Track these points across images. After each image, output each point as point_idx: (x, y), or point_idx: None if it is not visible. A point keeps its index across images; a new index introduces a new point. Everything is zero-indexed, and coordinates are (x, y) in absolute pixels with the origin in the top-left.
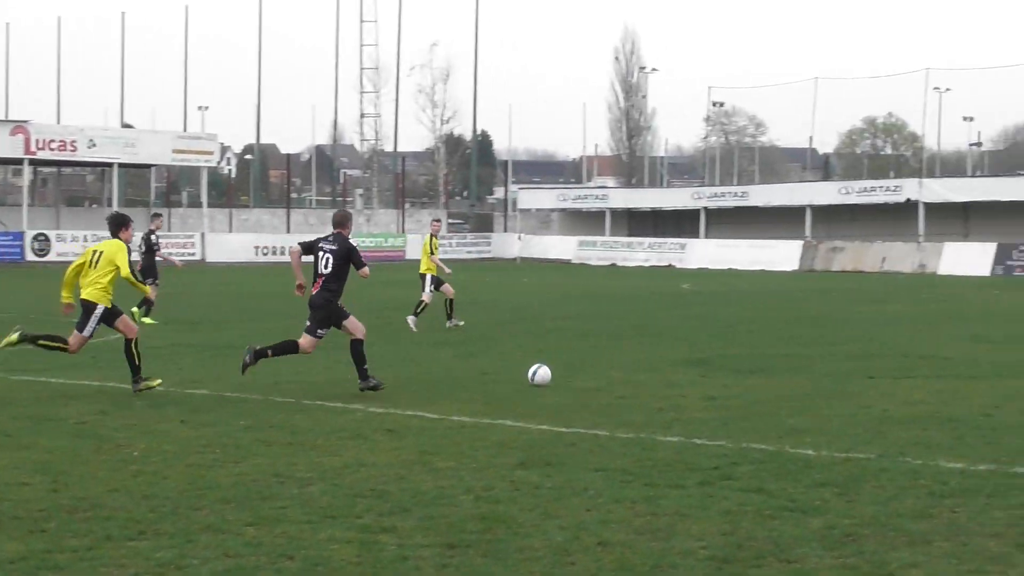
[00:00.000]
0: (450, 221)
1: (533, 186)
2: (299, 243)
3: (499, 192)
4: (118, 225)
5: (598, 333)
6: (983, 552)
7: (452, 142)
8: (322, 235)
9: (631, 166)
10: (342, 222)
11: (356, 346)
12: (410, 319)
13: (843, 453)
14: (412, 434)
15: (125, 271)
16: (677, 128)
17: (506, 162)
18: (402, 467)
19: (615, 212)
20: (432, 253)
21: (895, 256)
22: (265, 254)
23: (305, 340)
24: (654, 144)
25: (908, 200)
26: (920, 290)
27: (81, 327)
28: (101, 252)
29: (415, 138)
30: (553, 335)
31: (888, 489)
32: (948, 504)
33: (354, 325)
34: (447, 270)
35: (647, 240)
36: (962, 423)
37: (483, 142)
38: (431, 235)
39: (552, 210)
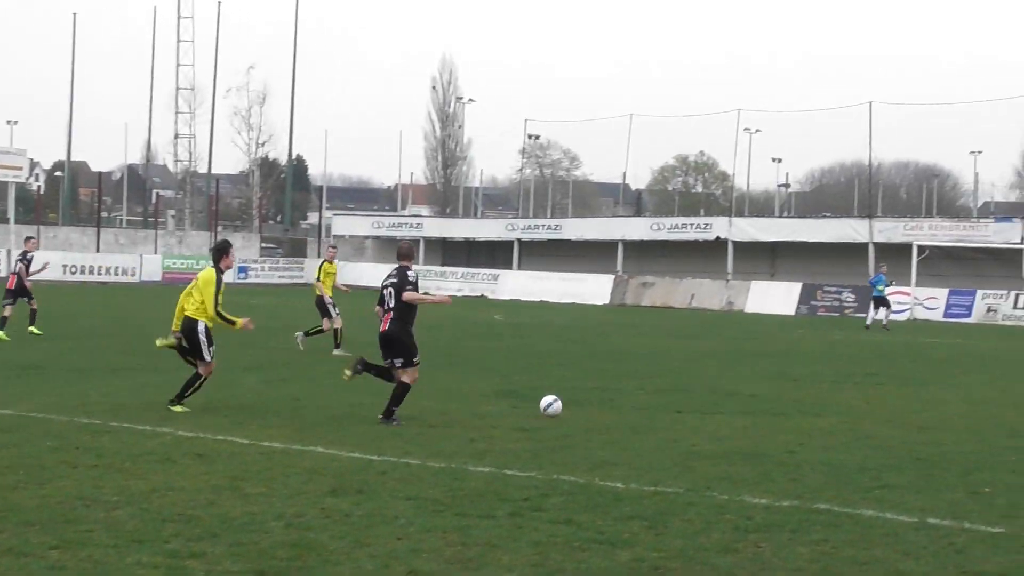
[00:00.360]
0: (263, 245)
1: (348, 212)
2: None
3: (313, 217)
4: (218, 252)
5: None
6: None
7: (267, 166)
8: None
9: (446, 195)
10: (407, 255)
11: (402, 388)
12: (299, 335)
13: (652, 487)
14: (222, 459)
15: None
16: (492, 159)
17: (321, 187)
18: (211, 492)
19: (429, 241)
20: (320, 279)
21: (704, 293)
22: (74, 272)
23: (406, 375)
24: (469, 174)
25: (718, 238)
26: (727, 327)
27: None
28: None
29: (230, 160)
30: None
31: (695, 523)
32: (753, 539)
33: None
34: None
35: (460, 270)
36: (767, 459)
37: (298, 167)
38: (327, 260)
39: (366, 237)
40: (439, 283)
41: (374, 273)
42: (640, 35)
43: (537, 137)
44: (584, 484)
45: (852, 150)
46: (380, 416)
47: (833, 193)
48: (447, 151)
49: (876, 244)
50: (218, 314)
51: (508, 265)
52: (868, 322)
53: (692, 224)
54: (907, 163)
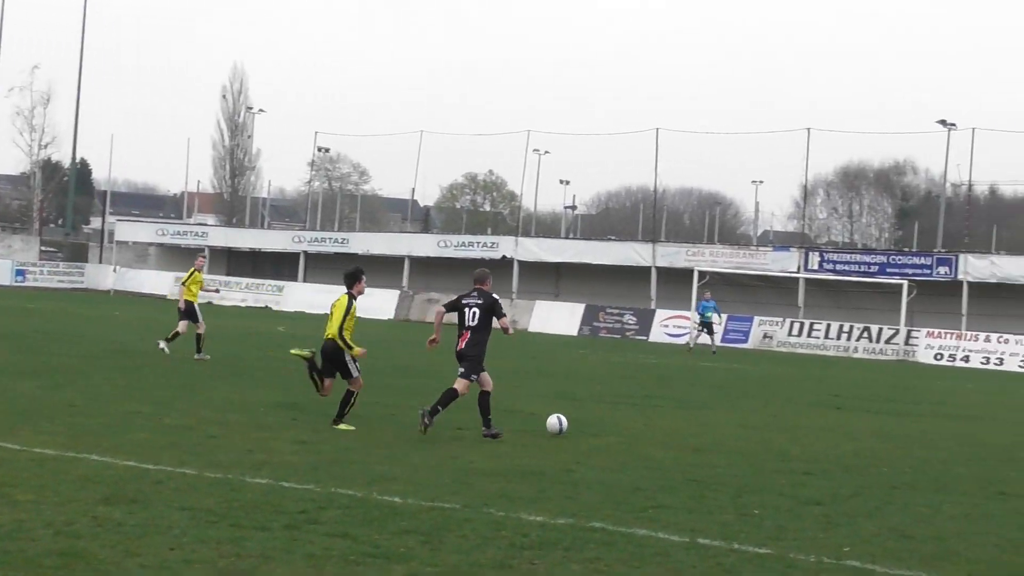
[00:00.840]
0: (43, 249)
1: (132, 219)
2: (443, 304)
3: (96, 222)
4: (351, 278)
5: (191, 371)
6: None
7: (49, 168)
8: (463, 293)
9: (233, 205)
10: (483, 279)
11: (484, 398)
12: (163, 343)
13: (429, 502)
14: None
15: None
16: (281, 171)
17: (105, 192)
18: None
19: (214, 250)
20: (186, 286)
21: None
22: None
23: (460, 384)
24: (257, 185)
25: (504, 257)
26: (510, 345)
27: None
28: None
29: (10, 160)
30: (144, 370)
31: (471, 539)
32: (528, 556)
33: (485, 379)
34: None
35: (245, 280)
36: (544, 477)
37: (82, 170)
38: (197, 269)
39: (150, 244)
40: (223, 293)
41: (157, 281)
42: (432, 52)
43: (327, 150)
44: (361, 498)
45: (638, 175)
46: (484, 431)
47: (619, 217)
48: (235, 161)
49: (659, 268)
50: (340, 337)
51: (294, 277)
52: (691, 345)
53: (479, 242)
54: (691, 190)
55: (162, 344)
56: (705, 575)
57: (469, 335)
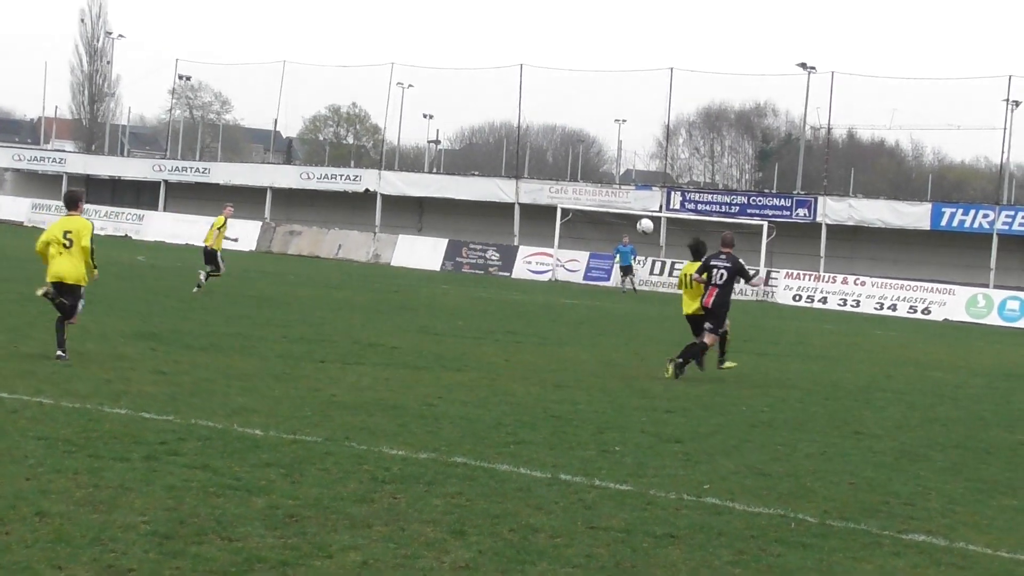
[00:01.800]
0: None
1: None
2: (697, 272)
3: None
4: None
5: (45, 301)
6: (420, 537)
7: None
8: (711, 254)
9: (92, 132)
10: (730, 243)
11: (700, 347)
12: (202, 275)
13: (290, 435)
14: None
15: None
16: (142, 98)
17: None
18: None
19: (73, 177)
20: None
21: (350, 244)
22: None
23: (709, 338)
24: (117, 111)
25: (367, 191)
26: (373, 279)
27: None
28: None
29: None
30: None
31: (332, 472)
32: (389, 490)
33: (712, 337)
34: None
35: (104, 208)
36: (406, 412)
37: None
38: (224, 217)
39: (6, 169)
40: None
41: (13, 207)
42: None
43: (188, 78)
44: (222, 430)
45: (502, 111)
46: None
47: (482, 152)
48: (94, 86)
49: (522, 205)
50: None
51: (154, 206)
52: (624, 289)
53: (342, 175)
54: (555, 127)
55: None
56: (567, 511)
57: (716, 292)
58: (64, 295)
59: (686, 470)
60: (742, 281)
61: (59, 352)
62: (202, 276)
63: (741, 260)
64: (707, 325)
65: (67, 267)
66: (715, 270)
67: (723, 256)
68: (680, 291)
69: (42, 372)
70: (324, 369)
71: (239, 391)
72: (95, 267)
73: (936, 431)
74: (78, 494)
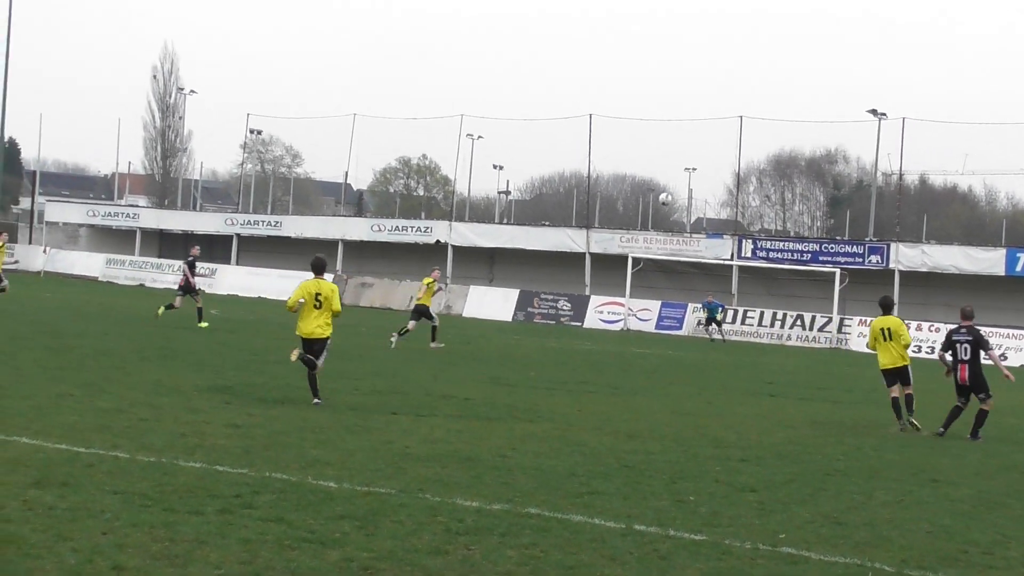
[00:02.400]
0: None
1: (62, 199)
2: (941, 348)
3: (25, 203)
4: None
5: (122, 353)
6: None
7: None
8: (952, 329)
9: (164, 186)
10: (970, 315)
11: (982, 415)
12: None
13: (364, 487)
14: None
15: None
16: (213, 152)
17: (34, 172)
18: None
19: (146, 232)
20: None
21: None
22: None
23: (988, 404)
24: (189, 166)
25: (438, 241)
26: (444, 330)
27: None
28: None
29: None
30: (74, 352)
31: (407, 524)
32: (463, 541)
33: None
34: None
35: (177, 262)
36: (479, 463)
37: (10, 150)
38: (433, 279)
39: (81, 225)
40: (155, 274)
41: (88, 263)
42: (364, 35)
43: (259, 132)
44: (296, 482)
45: (572, 161)
46: (969, 436)
47: (552, 202)
48: (167, 142)
49: (593, 254)
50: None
51: (227, 260)
52: (712, 337)
53: (412, 227)
54: (624, 176)
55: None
56: (641, 562)
57: (967, 367)
58: (311, 350)
59: (761, 519)
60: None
61: (315, 400)
62: (408, 327)
63: (981, 331)
64: (980, 395)
65: (317, 325)
66: (959, 345)
67: (963, 330)
68: (871, 348)
69: (117, 426)
70: (397, 421)
71: (313, 443)
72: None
73: (1014, 479)
74: (154, 548)
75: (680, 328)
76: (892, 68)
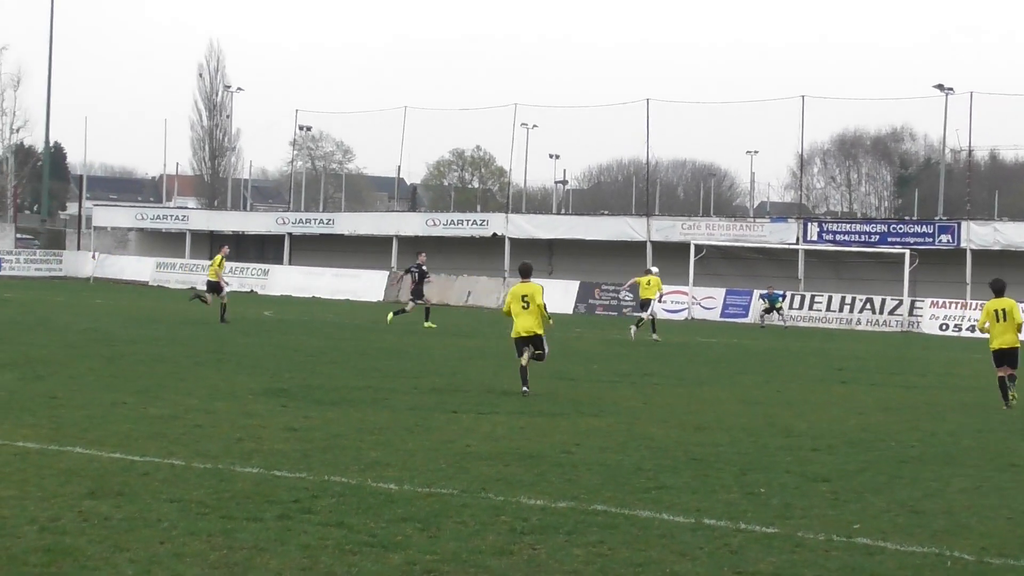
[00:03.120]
0: (19, 236)
1: (109, 203)
2: None
3: (72, 208)
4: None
5: (175, 358)
6: None
7: (22, 153)
8: None
9: (214, 187)
10: None
11: None
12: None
13: (425, 488)
14: None
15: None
16: (262, 151)
17: (81, 176)
18: None
19: (196, 234)
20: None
21: (480, 290)
22: None
23: None
24: (238, 166)
25: (495, 235)
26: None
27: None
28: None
29: None
30: (127, 359)
31: (470, 525)
32: (529, 541)
33: None
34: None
35: (229, 264)
36: (543, 460)
37: (56, 154)
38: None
39: (129, 229)
40: (206, 277)
41: (138, 267)
42: (413, 23)
43: (309, 128)
44: (355, 485)
45: (630, 148)
46: None
47: (611, 191)
48: (215, 141)
49: (654, 243)
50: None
51: (279, 260)
52: (763, 324)
53: (468, 220)
54: (684, 162)
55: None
56: (712, 556)
57: None
58: (531, 345)
59: (835, 510)
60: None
61: (524, 388)
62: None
63: None
64: None
65: (528, 323)
66: None
67: None
68: (982, 332)
69: (172, 433)
70: (457, 420)
71: (371, 445)
72: (549, 318)
73: None
74: (212, 556)
75: (746, 316)
76: (958, 41)
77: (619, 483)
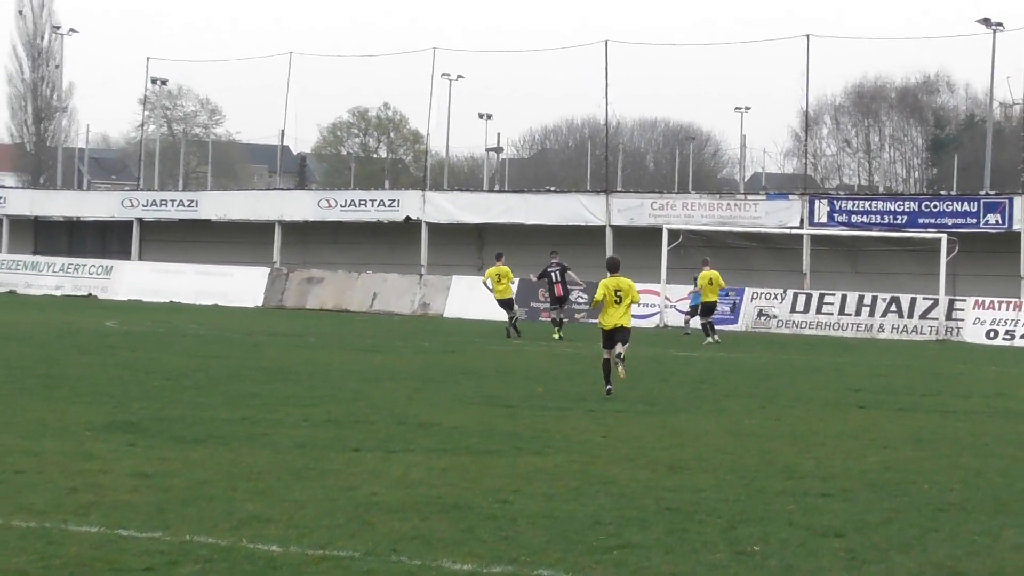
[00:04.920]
0: None
1: None
2: None
3: None
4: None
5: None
6: None
7: None
8: None
9: (39, 159)
10: None
11: None
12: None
13: (318, 550)
14: None
15: None
16: (103, 112)
17: None
18: None
19: (15, 221)
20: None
21: (389, 292)
22: None
23: None
24: (72, 131)
25: (408, 219)
26: (420, 337)
27: None
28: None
29: None
30: None
31: None
32: None
33: None
34: None
35: (59, 260)
36: (472, 512)
37: None
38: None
39: None
40: (30, 278)
41: None
42: None
43: (164, 82)
44: (227, 547)
45: (583, 105)
46: None
47: (559, 161)
48: (40, 99)
49: (615, 227)
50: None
51: (126, 254)
52: (686, 332)
53: (374, 200)
54: (654, 122)
55: None
56: None
57: None
58: (620, 337)
59: (851, 573)
60: None
61: (608, 386)
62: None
63: None
64: None
65: (618, 316)
66: None
67: None
68: None
69: None
70: (360, 460)
71: (248, 495)
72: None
73: None
74: None
75: (736, 322)
76: None
77: (570, 541)
